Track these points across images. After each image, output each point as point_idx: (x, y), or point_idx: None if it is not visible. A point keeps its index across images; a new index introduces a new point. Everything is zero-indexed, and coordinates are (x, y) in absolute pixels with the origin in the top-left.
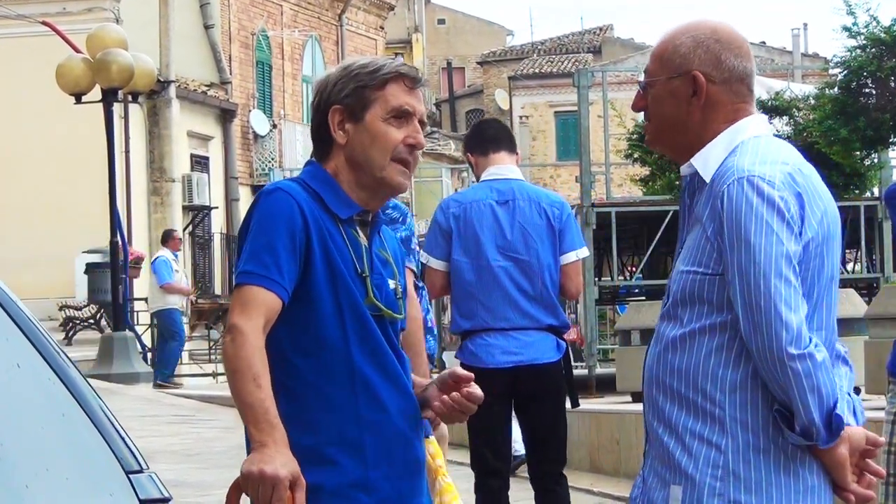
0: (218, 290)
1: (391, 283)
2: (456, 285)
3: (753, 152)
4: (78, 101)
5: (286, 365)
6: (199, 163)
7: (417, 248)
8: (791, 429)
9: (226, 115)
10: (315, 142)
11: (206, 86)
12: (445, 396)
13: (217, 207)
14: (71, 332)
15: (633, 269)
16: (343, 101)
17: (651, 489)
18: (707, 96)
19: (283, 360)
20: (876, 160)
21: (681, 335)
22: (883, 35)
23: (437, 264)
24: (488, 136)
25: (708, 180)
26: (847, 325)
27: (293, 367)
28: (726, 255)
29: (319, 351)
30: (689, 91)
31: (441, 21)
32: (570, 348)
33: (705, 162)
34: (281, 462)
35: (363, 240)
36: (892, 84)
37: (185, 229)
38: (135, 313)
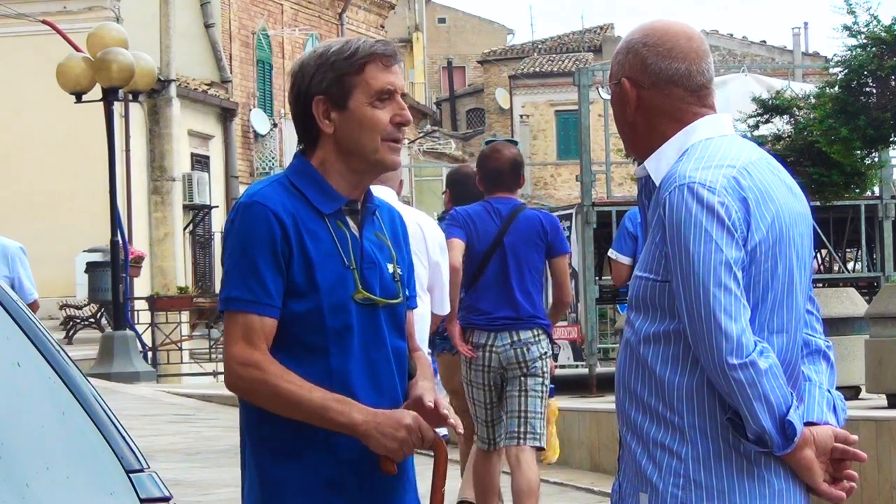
0: (218, 290)
1: (389, 267)
2: None
3: (699, 157)
4: (78, 100)
5: None
6: (200, 162)
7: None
8: (744, 436)
9: (226, 114)
10: (300, 133)
11: (207, 85)
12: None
13: (217, 206)
14: (71, 331)
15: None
16: (325, 91)
17: (626, 496)
18: (639, 101)
19: None
20: (876, 159)
21: (636, 341)
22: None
23: (624, 259)
24: None
25: (658, 184)
26: (847, 325)
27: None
28: (671, 264)
29: (302, 355)
30: (625, 97)
31: (441, 20)
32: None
33: (657, 165)
34: (387, 422)
35: (353, 230)
36: (893, 83)
37: (185, 228)
38: (135, 312)
